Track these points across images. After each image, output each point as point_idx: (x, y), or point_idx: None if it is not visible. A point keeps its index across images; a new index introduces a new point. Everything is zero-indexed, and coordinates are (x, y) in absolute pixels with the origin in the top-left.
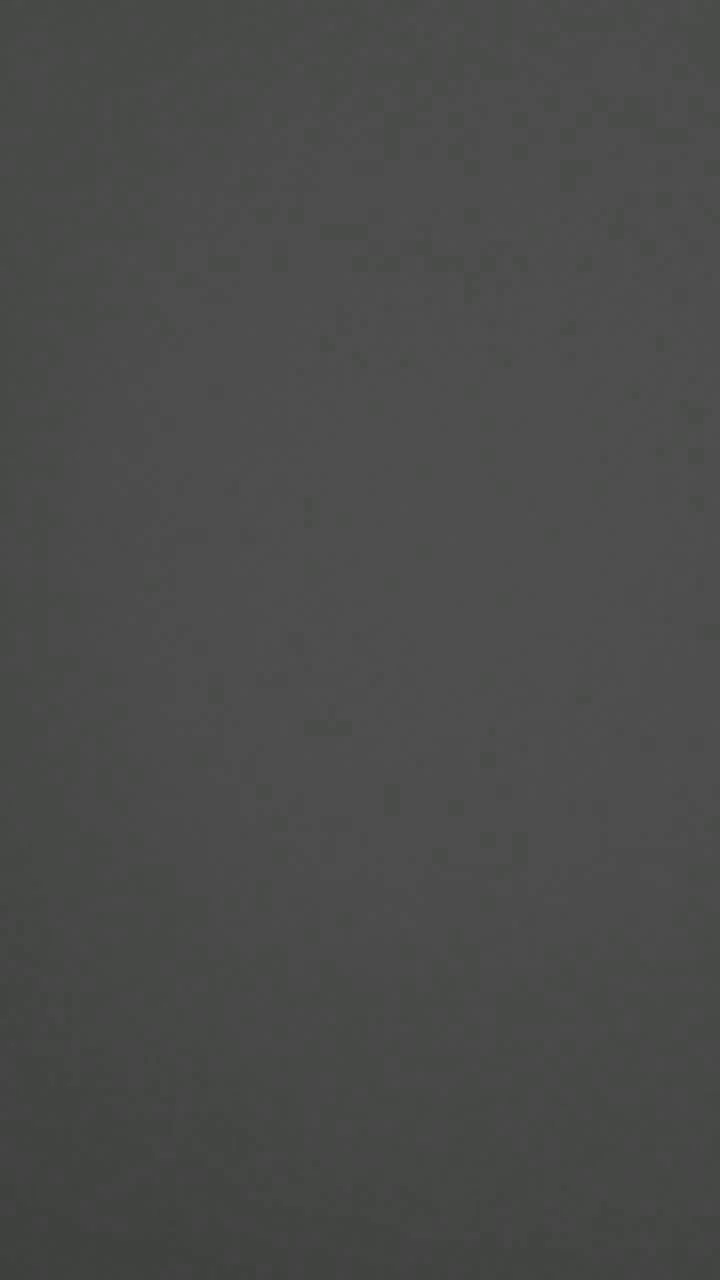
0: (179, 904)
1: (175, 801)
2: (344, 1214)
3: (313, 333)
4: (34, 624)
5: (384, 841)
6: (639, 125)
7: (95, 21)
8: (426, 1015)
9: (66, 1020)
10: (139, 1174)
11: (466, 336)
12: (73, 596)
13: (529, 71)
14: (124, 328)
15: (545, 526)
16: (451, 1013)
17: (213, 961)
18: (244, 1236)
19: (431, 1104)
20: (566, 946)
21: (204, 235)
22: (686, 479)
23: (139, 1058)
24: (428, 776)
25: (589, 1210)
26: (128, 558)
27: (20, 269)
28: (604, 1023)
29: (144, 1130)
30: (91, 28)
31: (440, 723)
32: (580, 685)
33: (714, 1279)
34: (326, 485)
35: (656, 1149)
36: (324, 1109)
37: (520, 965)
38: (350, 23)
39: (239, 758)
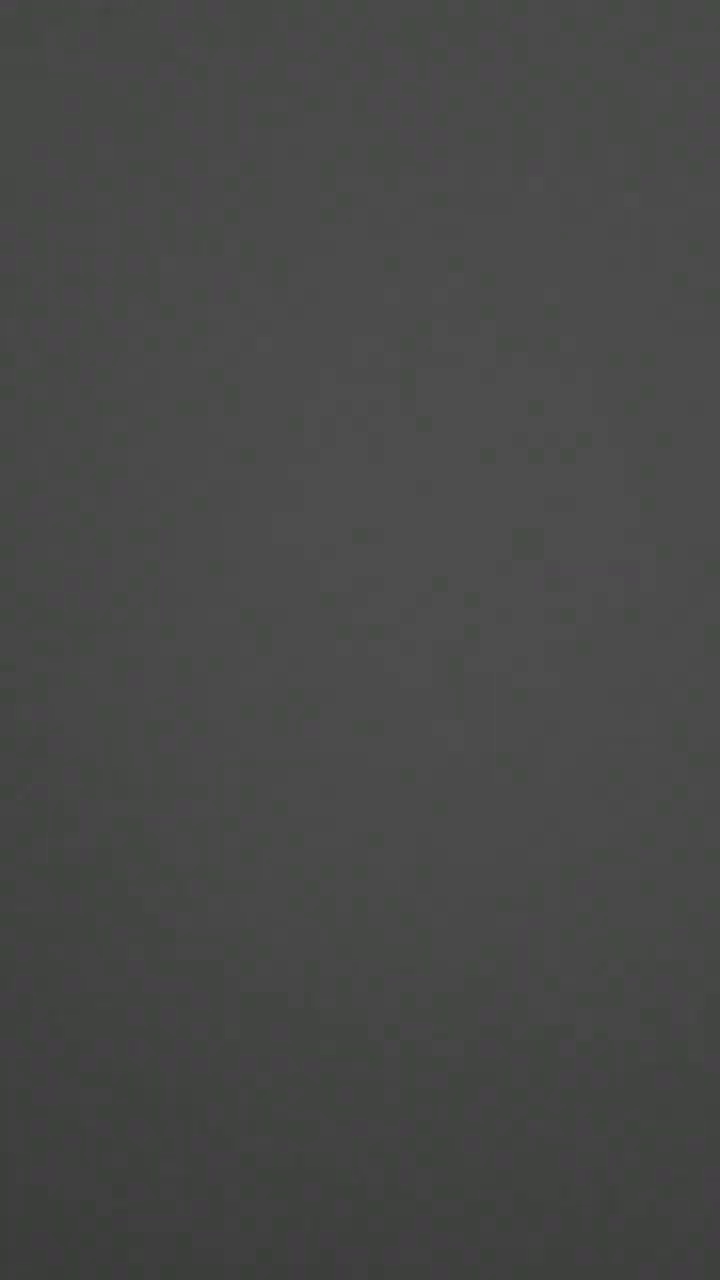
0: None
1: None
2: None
3: (313, 348)
4: (28, 628)
5: (379, 845)
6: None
7: (94, 31)
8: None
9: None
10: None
11: (466, 339)
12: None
13: (530, 75)
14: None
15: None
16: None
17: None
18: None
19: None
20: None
21: (201, 239)
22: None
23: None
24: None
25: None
26: (124, 576)
27: (16, 286)
28: (608, 1010)
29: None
30: (91, 38)
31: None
32: (585, 701)
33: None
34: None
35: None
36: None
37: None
38: (354, 34)
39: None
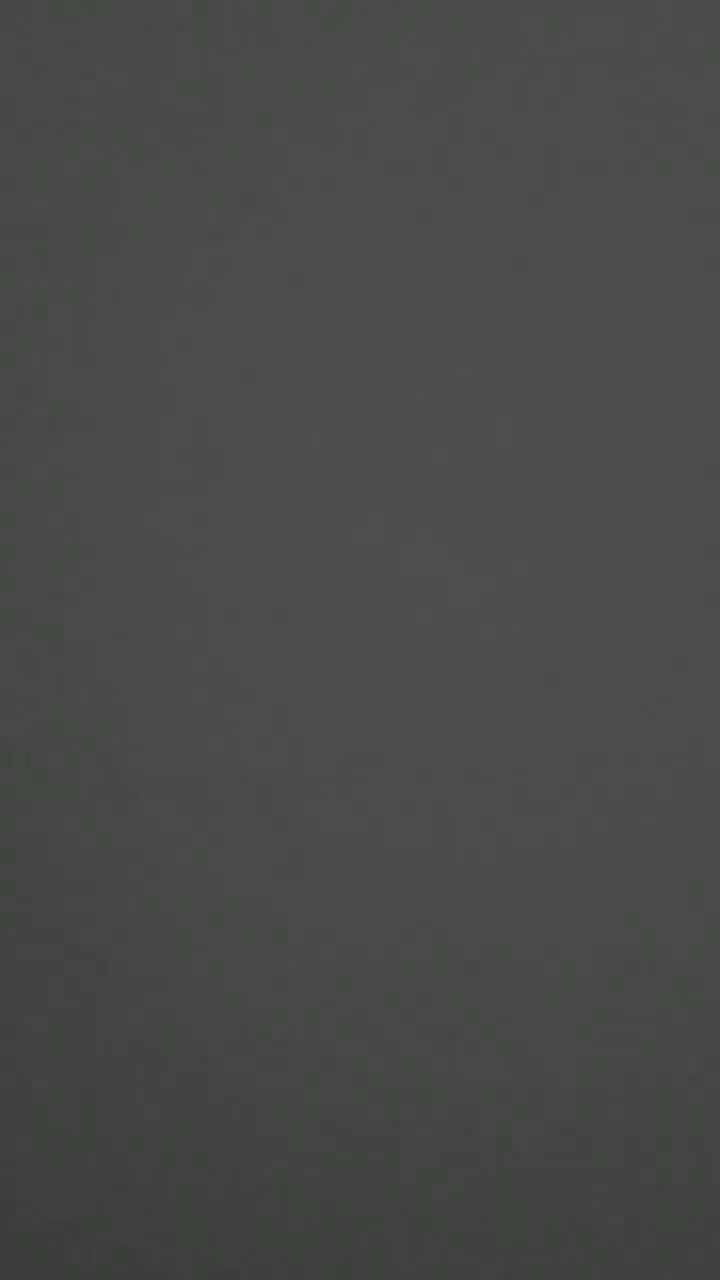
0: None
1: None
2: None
3: (316, 361)
4: (31, 629)
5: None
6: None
7: (95, 47)
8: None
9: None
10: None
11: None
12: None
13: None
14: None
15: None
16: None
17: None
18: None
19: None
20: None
21: (204, 247)
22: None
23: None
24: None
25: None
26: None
27: (21, 308)
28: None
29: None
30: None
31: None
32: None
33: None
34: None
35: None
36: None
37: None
38: (357, 58)
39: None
